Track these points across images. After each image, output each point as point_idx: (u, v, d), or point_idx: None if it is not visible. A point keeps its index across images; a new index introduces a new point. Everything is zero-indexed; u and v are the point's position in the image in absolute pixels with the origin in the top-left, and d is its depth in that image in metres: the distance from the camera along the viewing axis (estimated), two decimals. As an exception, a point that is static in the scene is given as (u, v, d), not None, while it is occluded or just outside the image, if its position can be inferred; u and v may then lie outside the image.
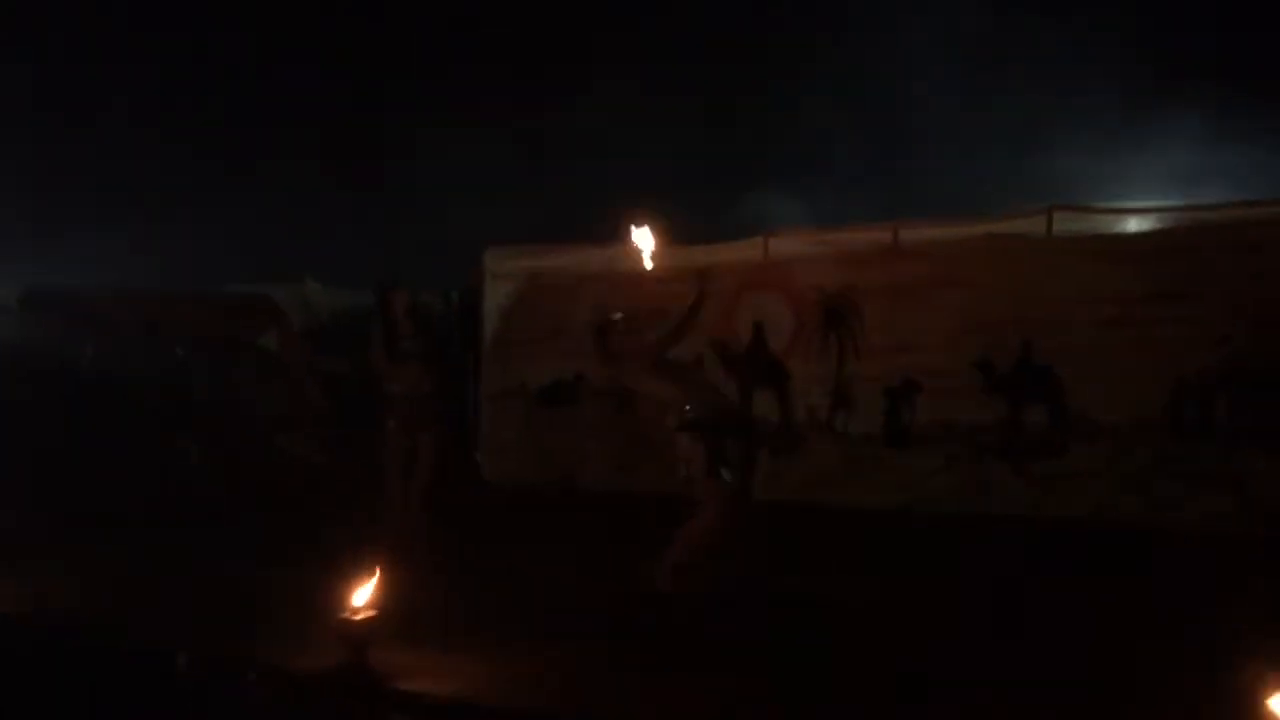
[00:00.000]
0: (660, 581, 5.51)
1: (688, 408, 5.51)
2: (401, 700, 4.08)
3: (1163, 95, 12.16)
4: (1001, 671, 4.33)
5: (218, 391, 10.54)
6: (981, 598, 5.67)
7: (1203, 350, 7.13)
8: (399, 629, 4.53)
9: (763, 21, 15.25)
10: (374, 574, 4.54)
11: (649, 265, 5.83)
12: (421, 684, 4.14)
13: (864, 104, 14.08)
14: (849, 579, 6.07)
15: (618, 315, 5.74)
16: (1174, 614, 5.10)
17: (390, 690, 4.14)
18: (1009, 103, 13.26)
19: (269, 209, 15.86)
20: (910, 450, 8.26)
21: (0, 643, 5.20)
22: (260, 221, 15.84)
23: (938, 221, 8.63)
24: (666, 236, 9.46)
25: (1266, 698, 3.30)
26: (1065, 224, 7.87)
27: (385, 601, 4.48)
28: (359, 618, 4.39)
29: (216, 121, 16.57)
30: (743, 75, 14.96)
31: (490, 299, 10.39)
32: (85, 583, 5.95)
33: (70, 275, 12.87)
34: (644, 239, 5.86)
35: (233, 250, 15.02)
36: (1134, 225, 7.91)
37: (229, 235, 15.55)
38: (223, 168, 16.24)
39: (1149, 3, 12.78)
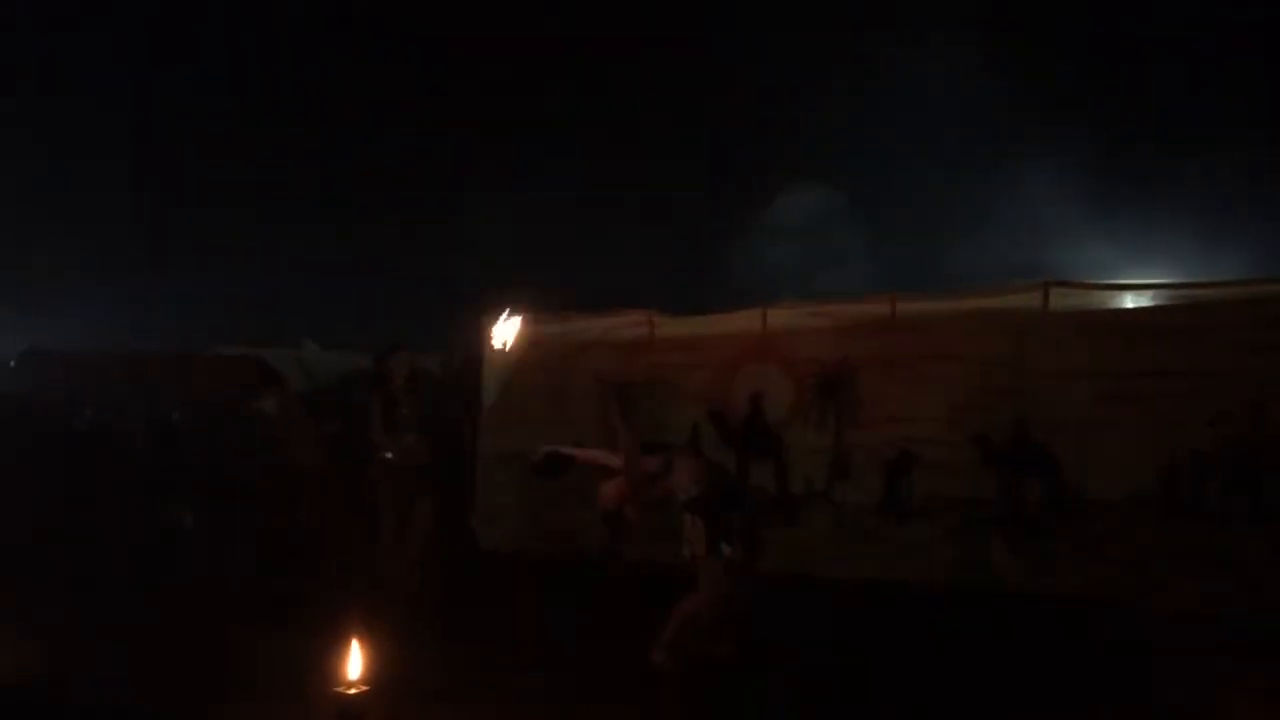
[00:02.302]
0: (656, 656, 5.49)
1: (692, 488, 5.53)
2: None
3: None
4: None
5: (212, 453, 10.51)
6: (977, 673, 5.61)
7: (1198, 428, 7.13)
8: (394, 700, 4.47)
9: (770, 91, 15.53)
10: (368, 645, 4.48)
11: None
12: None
13: (862, 177, 14.25)
14: (842, 651, 6.02)
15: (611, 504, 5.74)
16: (1167, 693, 5.06)
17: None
18: (1014, 179, 13.44)
19: (268, 272, 15.99)
20: (907, 522, 8.23)
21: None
22: (259, 284, 15.97)
23: (935, 295, 8.70)
24: (660, 308, 9.67)
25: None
26: (1061, 299, 7.93)
27: (380, 673, 4.42)
28: (353, 692, 4.33)
29: (217, 186, 16.78)
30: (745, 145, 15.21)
31: (489, 366, 10.41)
32: (74, 646, 5.88)
33: (69, 336, 12.94)
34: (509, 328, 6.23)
35: (232, 312, 15.13)
36: (1130, 301, 7.98)
37: (228, 298, 15.68)
38: (223, 232, 16.40)
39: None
